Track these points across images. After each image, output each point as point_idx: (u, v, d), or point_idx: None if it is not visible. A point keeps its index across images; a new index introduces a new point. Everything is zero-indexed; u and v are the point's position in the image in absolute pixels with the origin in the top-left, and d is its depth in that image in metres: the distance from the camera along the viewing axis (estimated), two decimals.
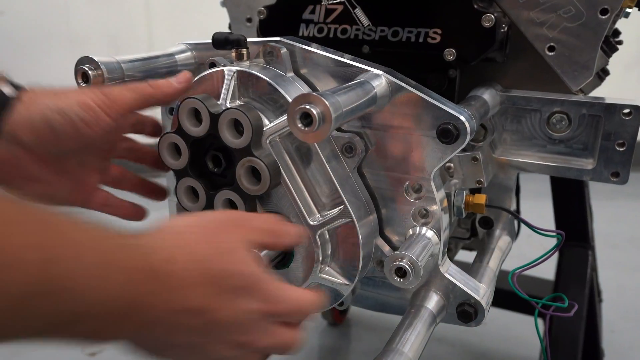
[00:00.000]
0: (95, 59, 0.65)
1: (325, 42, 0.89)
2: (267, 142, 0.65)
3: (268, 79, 0.66)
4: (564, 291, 1.26)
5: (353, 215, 0.66)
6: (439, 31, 0.82)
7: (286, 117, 0.62)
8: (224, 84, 0.67)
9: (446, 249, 0.72)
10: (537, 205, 1.41)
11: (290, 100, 0.64)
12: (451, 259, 0.98)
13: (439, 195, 0.69)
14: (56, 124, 0.56)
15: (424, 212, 0.70)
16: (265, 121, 0.65)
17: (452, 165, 0.84)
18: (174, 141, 0.67)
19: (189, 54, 0.79)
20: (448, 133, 0.64)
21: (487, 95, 0.81)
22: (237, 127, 0.64)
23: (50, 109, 0.56)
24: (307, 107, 0.53)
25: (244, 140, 0.64)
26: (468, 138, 0.65)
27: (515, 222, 0.95)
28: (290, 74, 0.69)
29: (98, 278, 0.34)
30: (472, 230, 0.95)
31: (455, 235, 0.97)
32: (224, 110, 0.64)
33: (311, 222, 0.67)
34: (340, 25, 0.88)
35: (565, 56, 0.82)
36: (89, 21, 3.18)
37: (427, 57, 0.84)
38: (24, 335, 0.32)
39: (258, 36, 0.89)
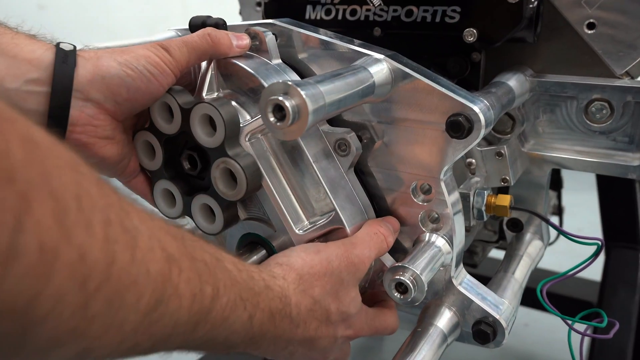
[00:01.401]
0: (105, 44, 0.61)
1: (334, 25, 0.81)
2: (247, 140, 0.58)
3: (247, 67, 0.58)
4: (612, 296, 1.14)
5: (345, 222, 0.58)
6: (458, 9, 0.72)
7: None
8: (200, 74, 0.60)
9: (460, 259, 0.63)
10: (586, 198, 1.28)
11: None
12: (477, 264, 0.89)
13: (452, 197, 0.60)
14: (128, 79, 0.54)
15: (434, 216, 0.61)
16: (246, 116, 0.58)
17: (473, 160, 0.74)
18: (147, 139, 0.61)
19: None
20: (458, 126, 0.55)
21: (514, 81, 0.70)
22: (212, 123, 0.57)
23: (120, 63, 0.54)
24: (280, 98, 0.45)
25: (217, 139, 0.56)
26: (483, 132, 0.55)
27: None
28: (277, 61, 0.61)
29: (248, 316, 0.45)
30: (500, 233, 0.85)
31: (481, 238, 0.87)
32: (194, 105, 0.56)
33: (297, 231, 0.59)
34: (349, 6, 0.80)
35: (607, 35, 0.71)
36: (127, 14, 3.19)
37: (446, 38, 0.74)
38: (172, 350, 0.41)
39: None
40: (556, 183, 1.10)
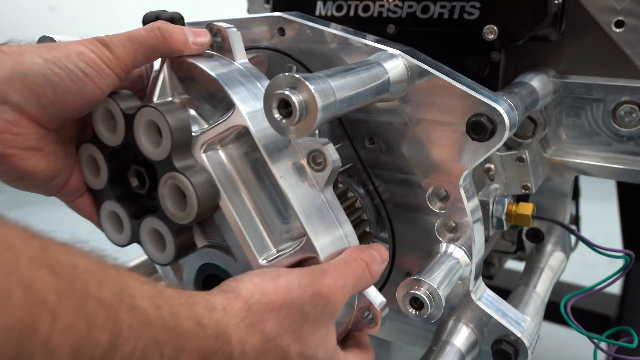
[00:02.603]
0: (55, 37, 0.54)
1: (345, 22, 0.77)
2: (202, 151, 0.48)
3: (204, 68, 0.50)
4: (633, 313, 1.08)
5: (318, 250, 0.47)
6: (478, 4, 0.68)
7: (229, 117, 0.48)
8: (152, 76, 0.52)
9: (480, 272, 0.59)
10: (603, 208, 1.22)
11: (231, 94, 0.48)
12: (493, 276, 0.84)
13: (471, 204, 0.56)
14: (55, 78, 0.45)
15: (452, 225, 0.57)
16: (204, 124, 0.50)
17: (492, 166, 0.70)
18: (91, 153, 0.52)
19: None
20: (481, 127, 0.51)
21: (537, 81, 0.66)
22: (160, 131, 0.48)
23: (46, 60, 0.45)
24: (287, 93, 0.41)
25: (163, 149, 0.47)
26: (506, 134, 0.51)
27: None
28: (242, 62, 0.53)
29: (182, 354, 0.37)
30: (519, 244, 0.80)
31: (498, 248, 0.82)
32: (137, 110, 0.48)
33: (261, 262, 0.48)
34: (362, 2, 0.75)
35: (637, 33, 0.66)
36: (136, 17, 3.17)
37: (464, 36, 0.70)
38: None
39: None
40: (574, 191, 1.05)
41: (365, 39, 0.56)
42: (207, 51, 0.53)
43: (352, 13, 0.76)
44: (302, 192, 0.49)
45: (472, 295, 0.57)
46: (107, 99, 0.49)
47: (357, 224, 0.60)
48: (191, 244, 0.52)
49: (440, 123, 0.54)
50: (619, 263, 0.64)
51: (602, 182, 0.76)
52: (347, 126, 0.60)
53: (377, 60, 0.52)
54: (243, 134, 0.49)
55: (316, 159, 0.49)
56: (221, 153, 0.50)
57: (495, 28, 0.67)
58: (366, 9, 0.75)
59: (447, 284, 0.52)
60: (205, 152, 0.49)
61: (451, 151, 0.54)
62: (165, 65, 0.51)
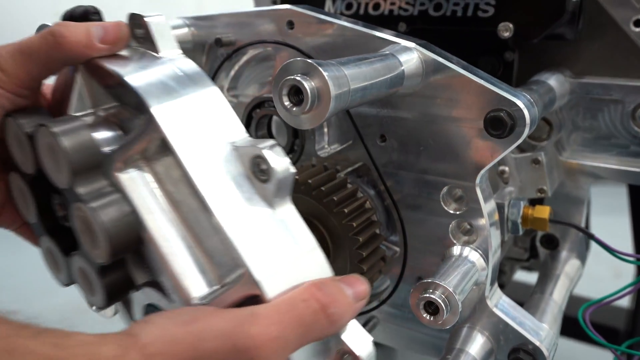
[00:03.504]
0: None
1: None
2: (119, 171, 0.39)
3: (108, 67, 0.41)
4: None
5: (263, 286, 0.36)
6: (493, 1, 0.66)
7: (146, 126, 0.39)
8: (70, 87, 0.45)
9: (496, 276, 0.56)
10: (608, 223, 1.20)
11: (143, 97, 0.39)
12: (505, 284, 0.81)
13: (488, 206, 0.53)
14: None
15: (467, 227, 0.54)
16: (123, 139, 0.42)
17: (506, 169, 0.67)
18: (17, 182, 0.46)
19: (185, 30, 0.66)
20: (499, 123, 0.48)
21: (554, 81, 0.64)
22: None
23: None
24: (298, 78, 0.39)
25: (63, 175, 0.39)
26: (527, 131, 0.49)
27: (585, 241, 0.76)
28: (170, 53, 0.44)
29: None
30: (532, 251, 0.78)
31: (510, 255, 0.80)
32: (36, 129, 0.41)
33: (195, 301, 0.38)
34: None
35: None
36: None
37: (478, 34, 0.68)
38: None
39: None
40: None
41: (378, 32, 0.54)
42: (134, 47, 0.45)
43: (362, 11, 0.74)
44: (243, 211, 0.38)
45: (488, 302, 0.54)
46: (6, 120, 0.43)
47: (366, 226, 0.57)
48: (125, 283, 0.43)
49: (456, 119, 0.51)
50: (627, 276, 0.62)
51: (604, 196, 0.73)
52: (357, 123, 0.57)
53: (391, 52, 0.50)
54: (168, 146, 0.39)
55: (260, 167, 0.38)
56: (145, 171, 0.40)
57: (510, 25, 0.65)
58: (376, 7, 0.73)
59: (463, 289, 0.49)
60: (123, 172, 0.39)
61: (467, 149, 0.52)
62: (79, 73, 0.44)
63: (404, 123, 0.55)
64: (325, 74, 0.39)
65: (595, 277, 1.14)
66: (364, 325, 0.63)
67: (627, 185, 0.88)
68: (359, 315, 0.61)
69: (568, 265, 0.70)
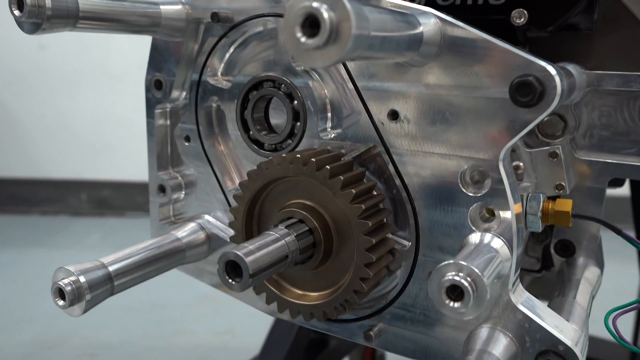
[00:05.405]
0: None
1: None
2: None
3: None
4: None
5: None
6: None
7: None
8: None
9: (519, 268, 0.50)
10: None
11: None
12: None
13: (511, 186, 0.48)
14: None
15: (488, 213, 0.48)
16: None
17: (520, 164, 0.63)
18: None
19: (179, 7, 0.61)
20: (528, 88, 0.44)
21: (572, 69, 0.60)
22: None
23: None
24: (315, 5, 0.34)
25: None
26: (557, 100, 0.44)
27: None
28: None
29: None
30: (544, 261, 0.72)
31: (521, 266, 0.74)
32: None
33: None
34: None
35: None
36: (127, 57, 3.14)
37: (489, 23, 0.64)
38: None
39: None
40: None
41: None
42: None
43: None
44: None
45: (512, 297, 0.48)
46: None
47: (375, 212, 0.51)
48: None
49: (477, 89, 0.47)
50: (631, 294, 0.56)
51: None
52: (365, 98, 0.53)
53: (412, 13, 0.46)
54: None
55: None
56: None
57: (524, 12, 0.61)
58: None
59: (489, 273, 0.43)
60: None
61: (490, 122, 0.47)
62: None
63: (418, 97, 0.50)
64: (348, 6, 0.34)
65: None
66: (368, 331, 0.57)
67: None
68: (362, 320, 0.55)
69: (587, 271, 0.64)
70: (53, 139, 3.35)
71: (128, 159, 3.26)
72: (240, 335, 2.01)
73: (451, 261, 0.42)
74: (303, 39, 0.34)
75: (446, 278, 0.41)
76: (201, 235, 0.65)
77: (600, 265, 0.66)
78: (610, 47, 0.65)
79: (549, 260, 0.70)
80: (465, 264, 0.41)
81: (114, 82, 3.27)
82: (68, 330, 1.94)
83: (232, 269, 0.45)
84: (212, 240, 0.66)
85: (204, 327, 2.05)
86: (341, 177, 0.49)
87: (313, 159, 0.50)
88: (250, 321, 2.05)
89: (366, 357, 1.52)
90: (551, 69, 0.44)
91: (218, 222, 0.66)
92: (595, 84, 0.63)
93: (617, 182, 0.69)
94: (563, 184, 0.61)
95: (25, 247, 2.78)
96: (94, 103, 3.29)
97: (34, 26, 0.48)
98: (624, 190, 0.87)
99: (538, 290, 0.74)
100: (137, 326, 2.02)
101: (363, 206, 0.48)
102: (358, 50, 0.37)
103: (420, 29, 0.45)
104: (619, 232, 0.57)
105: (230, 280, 0.45)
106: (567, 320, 0.52)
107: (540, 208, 0.56)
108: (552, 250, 0.68)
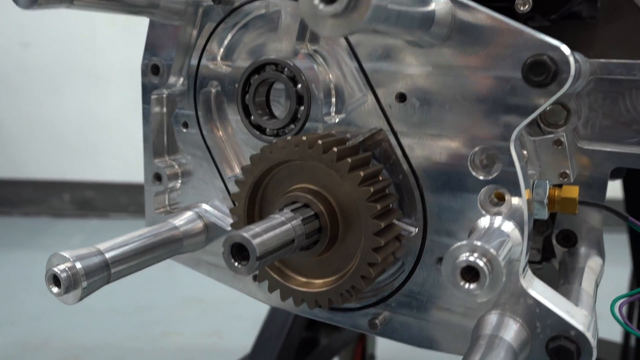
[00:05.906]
0: None
1: None
2: None
3: None
4: None
5: None
6: None
7: None
8: None
9: (528, 254, 0.49)
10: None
11: None
12: None
13: (522, 169, 0.47)
14: None
15: (499, 196, 0.48)
16: None
17: (524, 152, 0.62)
18: None
19: None
20: (542, 67, 0.43)
21: (578, 56, 0.59)
22: None
23: None
24: None
25: None
26: (570, 80, 0.43)
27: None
28: None
29: None
30: (545, 252, 0.71)
31: None
32: None
33: None
34: None
35: None
36: (113, 56, 3.10)
37: (493, 10, 0.64)
38: None
39: None
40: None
41: None
42: None
43: None
44: None
45: (522, 281, 0.48)
46: None
47: (383, 196, 0.50)
48: None
49: (488, 69, 0.46)
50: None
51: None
52: (372, 81, 0.51)
53: None
54: None
55: None
56: None
57: None
58: None
59: (503, 254, 0.42)
60: None
61: (501, 103, 0.46)
62: None
63: (427, 79, 0.49)
64: None
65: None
66: (373, 319, 0.55)
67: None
68: (367, 308, 0.53)
69: (590, 260, 0.64)
70: (35, 139, 3.30)
71: (112, 160, 3.22)
72: (228, 337, 1.99)
73: (465, 242, 0.41)
74: (321, 6, 0.33)
75: (461, 259, 0.40)
76: (199, 224, 0.64)
77: (602, 255, 0.66)
78: (612, 35, 0.65)
79: (550, 252, 0.70)
80: (480, 244, 0.40)
81: (98, 82, 3.23)
82: (51, 332, 1.90)
83: (238, 252, 0.44)
84: (210, 230, 0.64)
85: (190, 329, 2.02)
86: (349, 160, 0.48)
87: (320, 142, 0.48)
88: (237, 323, 2.03)
89: (356, 356, 1.51)
90: (565, 49, 0.43)
91: (216, 210, 0.65)
92: (598, 72, 0.63)
93: (617, 173, 0.69)
94: (567, 171, 0.60)
95: (6, 249, 2.72)
96: (77, 103, 3.24)
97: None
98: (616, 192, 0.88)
99: None
100: (122, 328, 1.99)
101: (372, 189, 0.47)
102: (374, 22, 0.36)
103: (433, 6, 0.44)
104: (625, 218, 0.56)
105: (236, 264, 0.44)
106: (577, 305, 0.52)
107: (547, 195, 0.55)
108: (554, 241, 0.68)
